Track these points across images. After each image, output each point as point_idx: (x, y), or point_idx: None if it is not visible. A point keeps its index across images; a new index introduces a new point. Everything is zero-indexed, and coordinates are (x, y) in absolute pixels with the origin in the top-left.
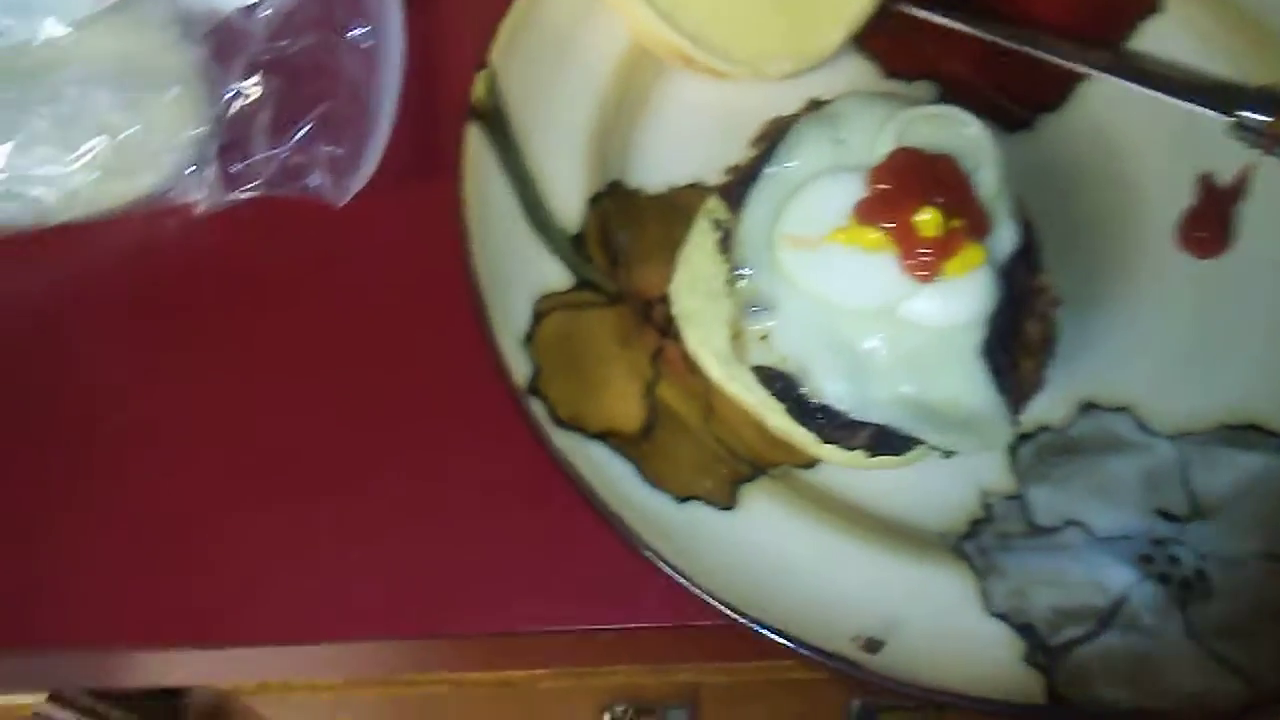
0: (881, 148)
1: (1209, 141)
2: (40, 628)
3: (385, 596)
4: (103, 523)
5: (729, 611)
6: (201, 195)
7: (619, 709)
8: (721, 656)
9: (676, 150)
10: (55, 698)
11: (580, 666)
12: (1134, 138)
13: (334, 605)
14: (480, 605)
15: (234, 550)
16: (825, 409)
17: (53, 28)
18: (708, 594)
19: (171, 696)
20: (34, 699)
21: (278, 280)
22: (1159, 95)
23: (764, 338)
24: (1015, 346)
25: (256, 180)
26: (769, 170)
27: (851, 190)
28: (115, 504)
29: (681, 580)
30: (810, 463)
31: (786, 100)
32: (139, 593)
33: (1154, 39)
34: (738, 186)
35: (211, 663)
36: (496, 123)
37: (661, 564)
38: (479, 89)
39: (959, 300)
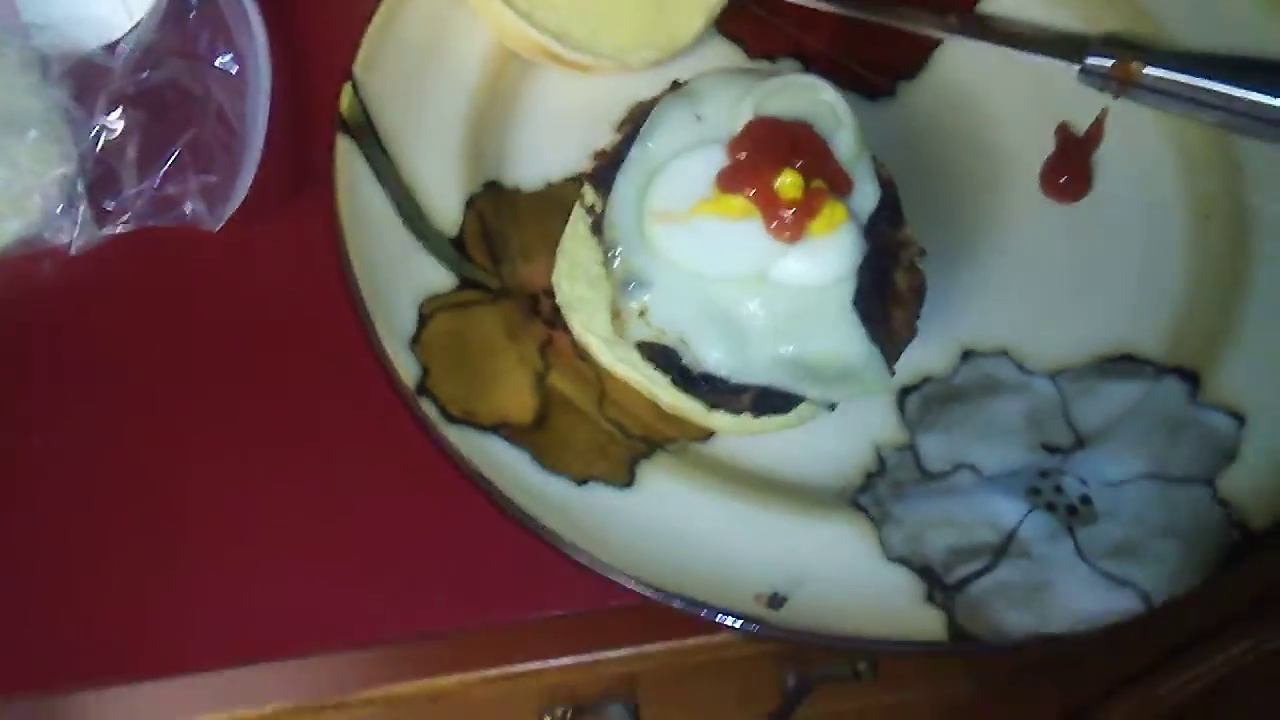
0: (741, 120)
1: (1063, 92)
2: None
3: (298, 614)
4: None
5: (632, 584)
6: (74, 234)
7: (558, 711)
8: (644, 637)
9: (550, 145)
10: None
11: (508, 665)
12: (993, 95)
13: (245, 628)
14: (398, 610)
15: (131, 582)
16: (708, 376)
17: None
18: (610, 570)
19: None
20: None
21: (161, 311)
22: (1011, 51)
23: (642, 314)
24: (886, 298)
25: (129, 214)
26: (634, 152)
27: (714, 162)
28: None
29: (581, 559)
30: (704, 435)
31: (653, 86)
32: (33, 638)
33: (1002, 1)
34: (605, 171)
35: (112, 704)
36: (365, 133)
37: (560, 545)
38: (344, 102)
39: (826, 258)
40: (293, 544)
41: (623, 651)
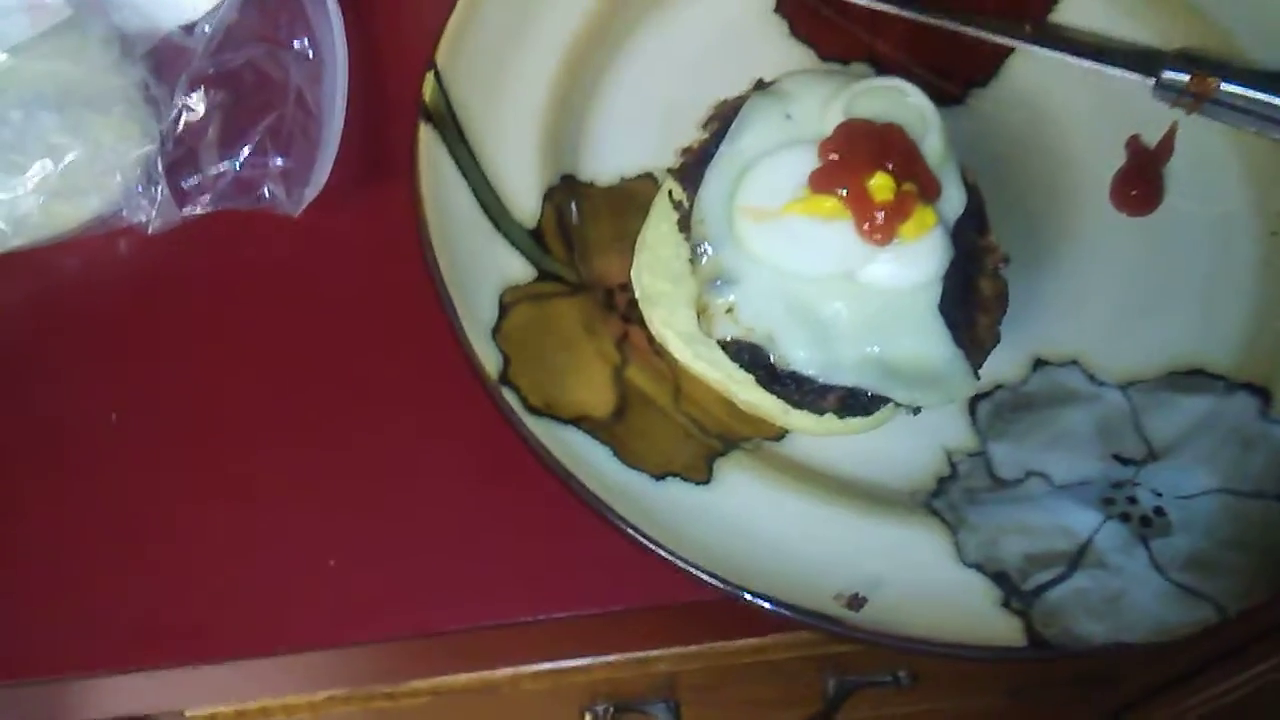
0: (830, 120)
1: (1135, 105)
2: None
3: (366, 599)
4: (65, 545)
5: (714, 581)
6: (152, 214)
7: (599, 708)
8: (707, 635)
9: (625, 141)
10: None
11: (564, 659)
12: (1063, 106)
13: (310, 611)
14: (465, 599)
15: (200, 565)
16: (794, 375)
17: None
18: (692, 566)
19: None
20: None
21: (238, 294)
22: (1084, 63)
23: (729, 311)
24: (970, 303)
25: (208, 195)
26: (722, 149)
27: (805, 162)
28: (73, 529)
29: (665, 554)
30: (780, 435)
31: (730, 86)
32: (105, 615)
33: (1076, 11)
34: (693, 167)
35: (174, 686)
36: (447, 123)
37: (644, 540)
38: (428, 90)
39: (914, 261)
40: (363, 530)
41: (671, 650)
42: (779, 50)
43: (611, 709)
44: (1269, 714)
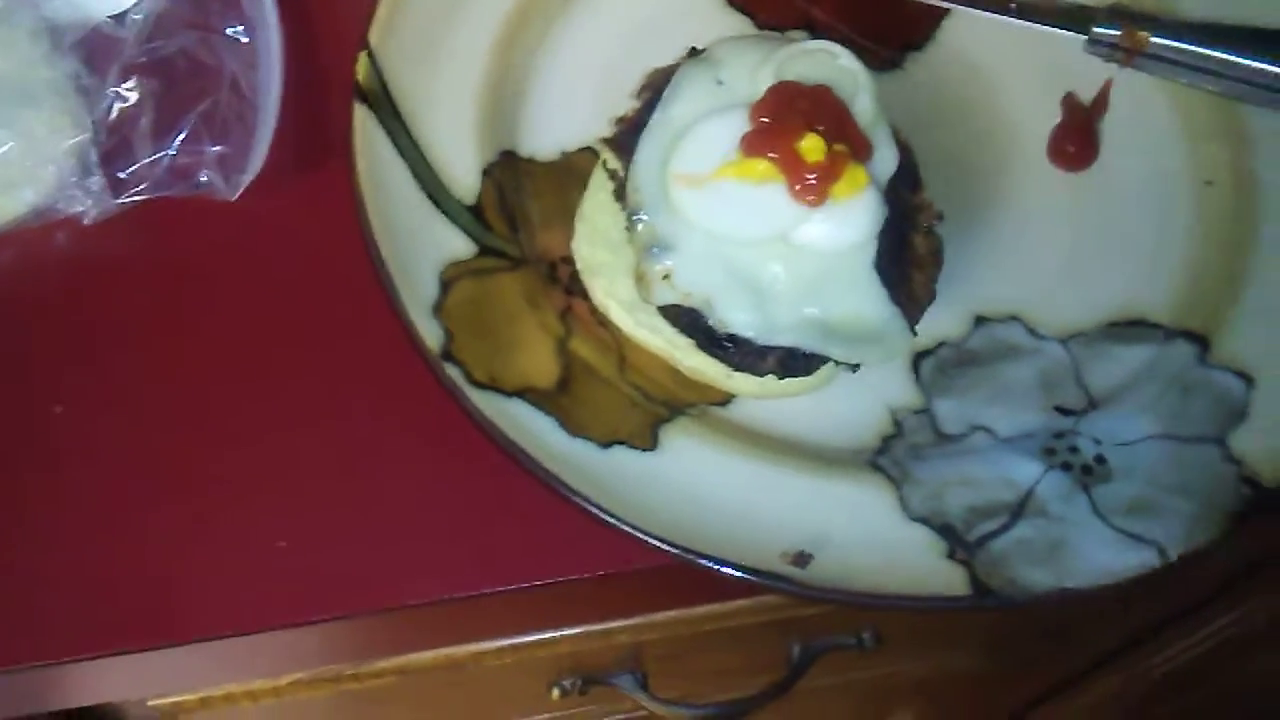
0: (761, 85)
1: (1069, 62)
2: None
3: (320, 578)
4: (13, 537)
5: (664, 545)
6: (88, 204)
7: (567, 682)
8: (666, 604)
9: (565, 115)
10: None
11: (525, 633)
12: (999, 65)
13: (263, 595)
14: (419, 574)
15: (148, 551)
16: (733, 338)
17: None
18: (641, 532)
19: None
20: None
21: (178, 281)
22: (1017, 22)
23: (667, 277)
24: (905, 260)
25: (144, 184)
26: (655, 117)
27: (736, 126)
28: (22, 517)
29: (613, 521)
30: (725, 400)
31: (669, 57)
32: (55, 605)
33: None
34: (627, 136)
35: (134, 673)
36: (382, 102)
37: (592, 509)
38: (361, 70)
39: (848, 221)
40: (313, 510)
41: (633, 620)
42: (716, 20)
43: (579, 682)
44: (1229, 668)
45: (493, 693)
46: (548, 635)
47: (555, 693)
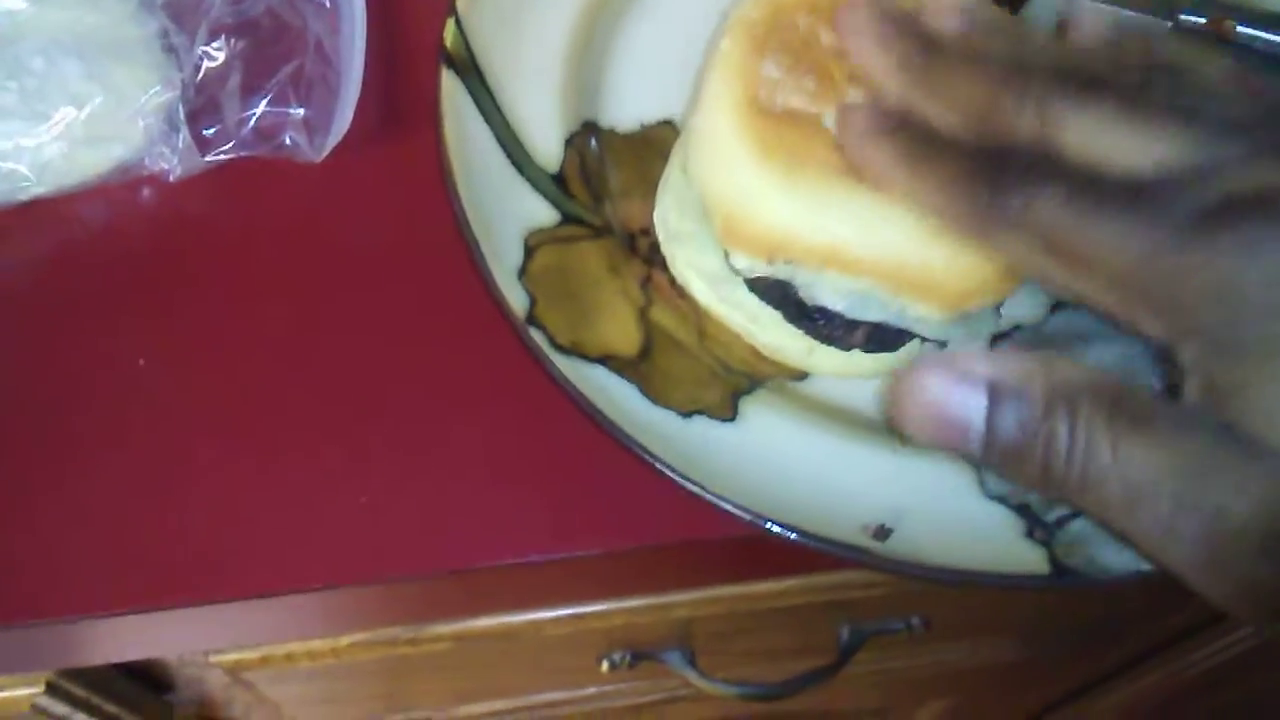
0: None
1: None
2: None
3: (396, 536)
4: (91, 487)
5: (742, 514)
6: (174, 162)
7: (616, 656)
8: (729, 577)
9: (646, 88)
10: (53, 689)
11: (587, 602)
12: None
13: (338, 548)
14: (494, 537)
15: (221, 506)
16: (823, 310)
17: (10, 1)
18: (720, 499)
19: (159, 691)
20: (31, 691)
21: (262, 240)
22: (1105, 6)
23: None
24: None
25: (230, 143)
26: None
27: None
28: (101, 467)
29: (693, 488)
30: (801, 375)
31: None
32: (128, 554)
33: None
34: None
35: (198, 626)
36: (469, 69)
37: (673, 475)
38: (449, 36)
39: None
40: (392, 469)
41: (691, 595)
42: None
43: (629, 656)
44: (1266, 669)
45: (543, 663)
46: (605, 606)
47: (604, 665)
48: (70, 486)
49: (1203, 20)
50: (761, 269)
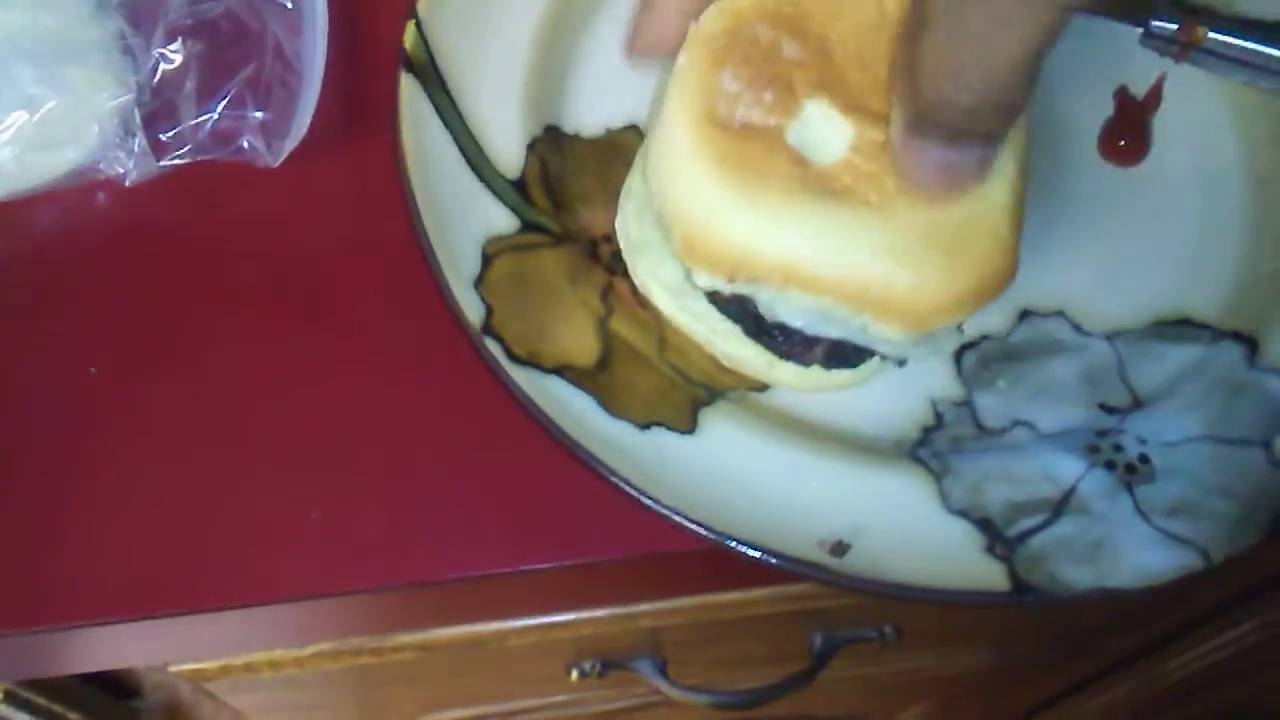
0: None
1: (1124, 55)
2: None
3: (350, 549)
4: (44, 498)
5: (699, 529)
6: (129, 165)
7: (586, 665)
8: (691, 588)
9: (610, 92)
10: (12, 698)
11: (549, 614)
12: (1053, 55)
13: (296, 561)
14: (450, 550)
15: (177, 516)
16: (782, 326)
17: None
18: (677, 514)
19: (127, 697)
20: None
21: (218, 245)
22: (1076, 12)
23: None
24: None
25: (186, 146)
26: None
27: None
28: (52, 479)
29: (649, 502)
30: (762, 387)
31: None
32: (85, 566)
33: None
34: None
35: (157, 638)
36: (429, 73)
37: (629, 489)
38: (409, 39)
39: None
40: (347, 481)
41: (656, 605)
42: None
43: (599, 665)
44: (1243, 677)
45: (511, 672)
46: (571, 616)
47: (574, 674)
48: (19, 498)
49: (1175, 26)
50: (722, 285)
